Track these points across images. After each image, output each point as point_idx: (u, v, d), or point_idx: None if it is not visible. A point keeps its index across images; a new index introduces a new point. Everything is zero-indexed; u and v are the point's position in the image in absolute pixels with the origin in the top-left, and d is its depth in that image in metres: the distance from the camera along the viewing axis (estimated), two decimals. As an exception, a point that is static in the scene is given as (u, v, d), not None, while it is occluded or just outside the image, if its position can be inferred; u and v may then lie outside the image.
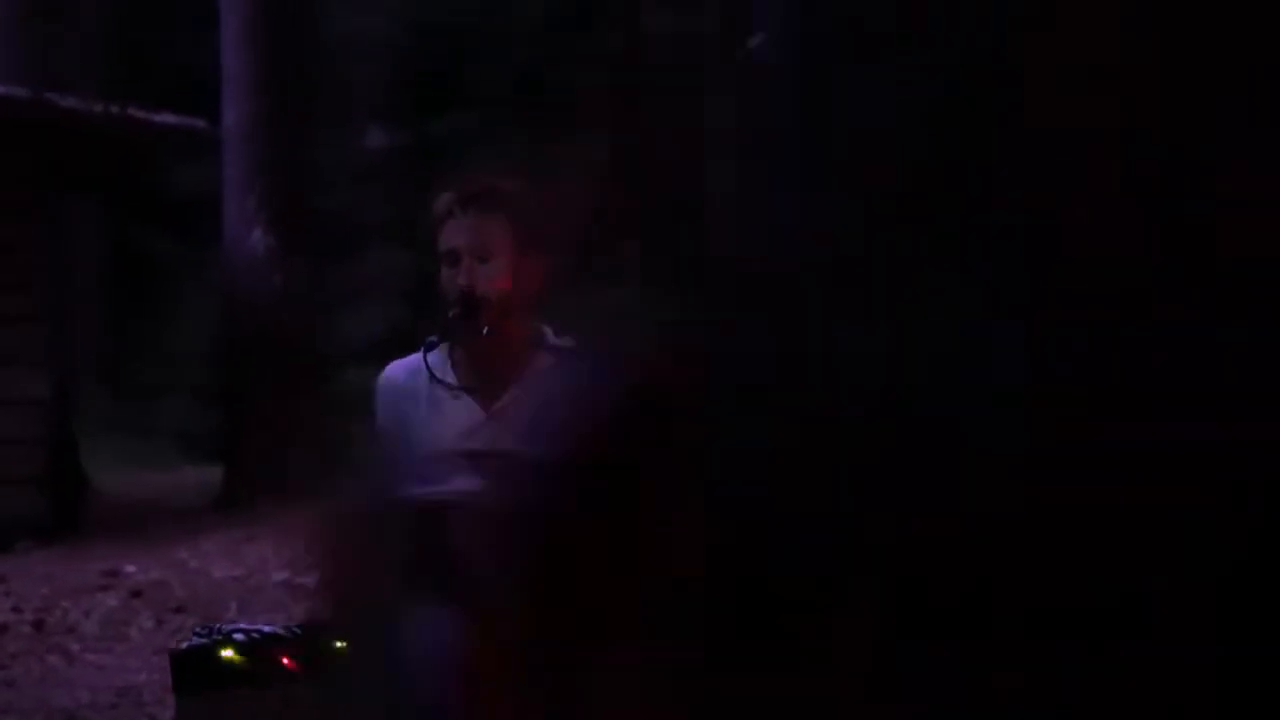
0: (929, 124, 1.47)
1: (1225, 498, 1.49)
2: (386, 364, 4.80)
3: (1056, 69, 1.48)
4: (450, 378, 4.69)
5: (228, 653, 4.91)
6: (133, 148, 12.82)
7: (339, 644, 4.53)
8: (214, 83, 13.17)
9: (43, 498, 11.91)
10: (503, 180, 4.76)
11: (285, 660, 4.87)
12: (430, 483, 4.37)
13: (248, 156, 13.15)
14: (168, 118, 12.74)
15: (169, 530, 11.87)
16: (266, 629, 4.93)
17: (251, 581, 10.22)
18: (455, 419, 4.65)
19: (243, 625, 5.01)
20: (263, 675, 4.85)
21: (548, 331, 4.76)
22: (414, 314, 14.51)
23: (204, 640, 4.96)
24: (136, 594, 10.04)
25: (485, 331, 4.56)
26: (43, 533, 11.72)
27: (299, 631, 4.90)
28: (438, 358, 4.73)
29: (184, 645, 5.07)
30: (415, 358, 4.75)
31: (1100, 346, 1.44)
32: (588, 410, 4.50)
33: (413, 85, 18.12)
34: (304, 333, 13.18)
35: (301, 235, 13.24)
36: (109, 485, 14.14)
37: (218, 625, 5.05)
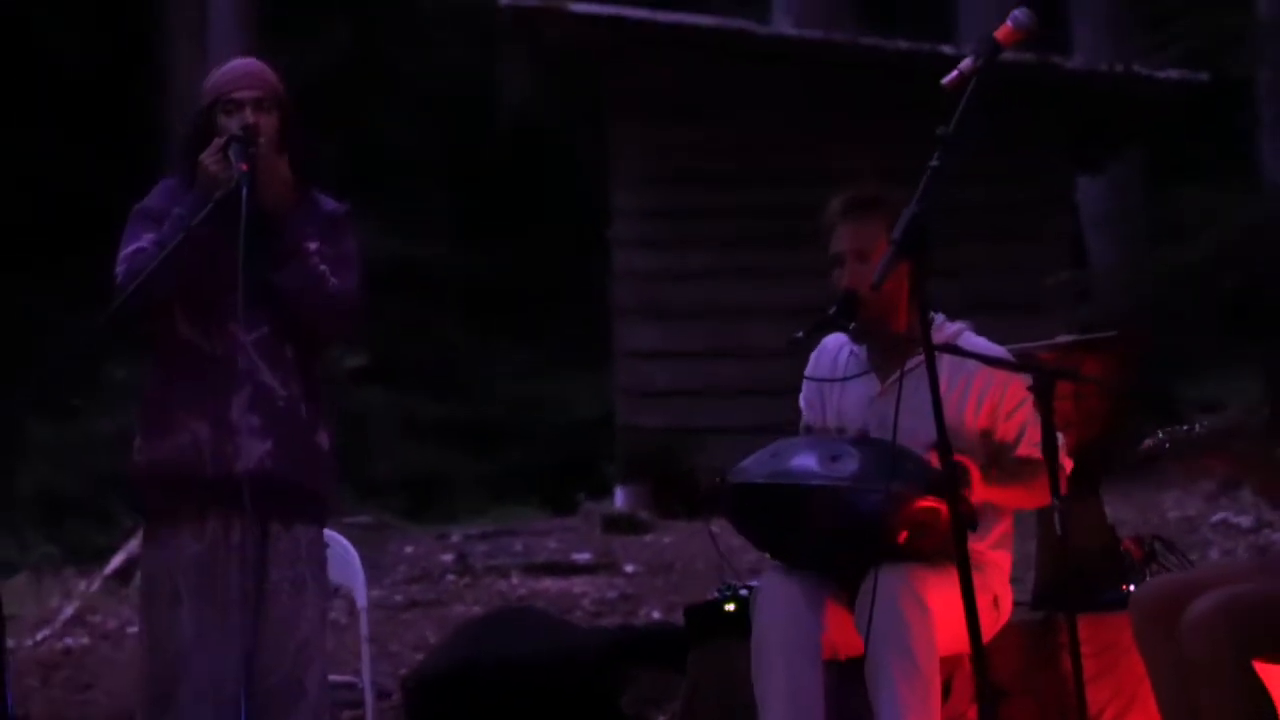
0: None
1: None
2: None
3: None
4: (862, 354, 5.26)
5: (730, 607, 5.73)
6: (1135, 107, 13.33)
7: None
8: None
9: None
10: (886, 187, 5.25)
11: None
12: (802, 461, 5.00)
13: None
14: (1171, 74, 13.16)
15: None
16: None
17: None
18: (857, 392, 5.24)
19: (752, 583, 5.75)
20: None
21: (939, 320, 5.21)
22: None
23: (715, 596, 5.80)
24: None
25: (851, 327, 5.13)
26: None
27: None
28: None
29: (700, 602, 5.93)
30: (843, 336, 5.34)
31: None
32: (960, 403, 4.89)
33: None
34: None
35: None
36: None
37: (736, 583, 5.82)
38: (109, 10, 20.61)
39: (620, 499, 13.40)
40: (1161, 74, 13.18)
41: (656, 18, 13.50)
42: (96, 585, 11.56)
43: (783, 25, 14.80)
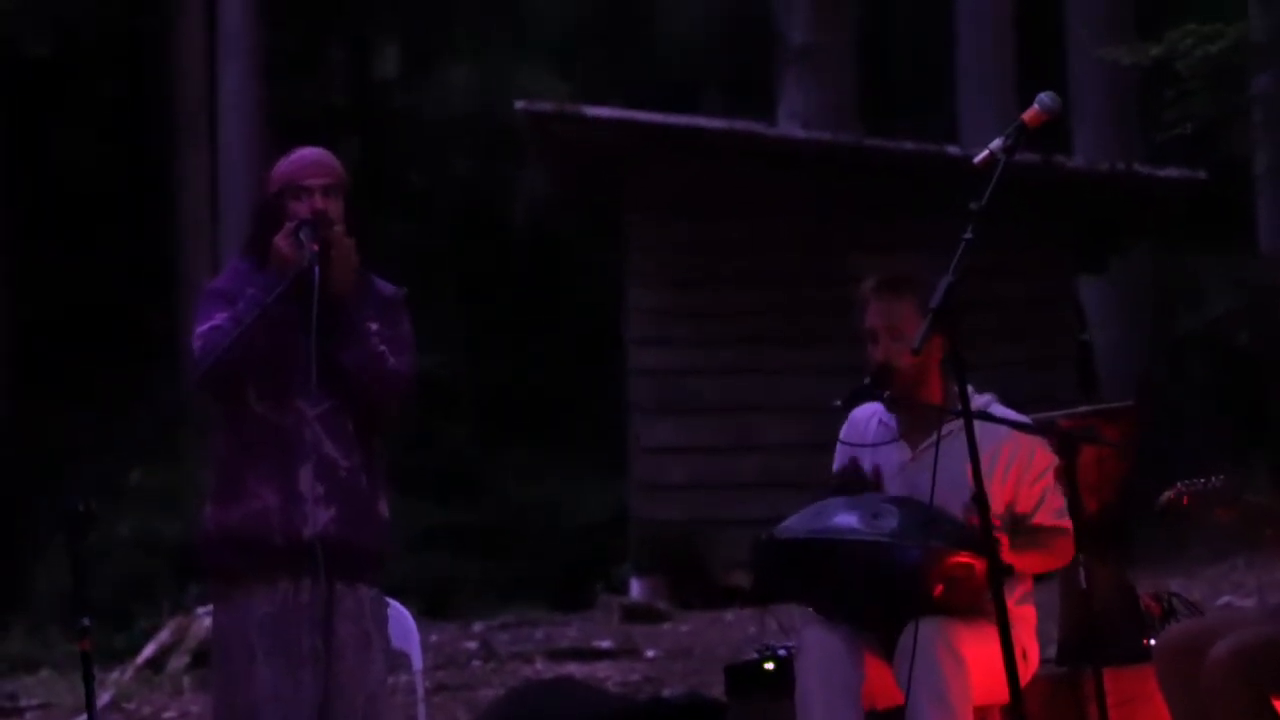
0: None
1: None
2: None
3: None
4: (891, 422, 5.59)
5: (769, 665, 6.04)
6: (1137, 205, 13.72)
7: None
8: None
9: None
10: (915, 268, 5.59)
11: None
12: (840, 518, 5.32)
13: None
14: (1171, 172, 13.56)
15: None
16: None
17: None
18: (889, 457, 5.56)
19: (790, 644, 6.06)
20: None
21: (969, 391, 5.53)
22: None
23: (755, 656, 6.11)
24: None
25: (886, 396, 5.46)
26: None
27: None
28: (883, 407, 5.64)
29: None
30: (875, 405, 5.67)
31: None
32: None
33: None
34: None
35: None
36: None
37: (774, 644, 6.13)
38: (121, 128, 21.06)
39: (636, 589, 13.68)
40: (1162, 172, 13.57)
41: (669, 120, 13.91)
42: (130, 674, 11.83)
43: (790, 130, 15.22)
